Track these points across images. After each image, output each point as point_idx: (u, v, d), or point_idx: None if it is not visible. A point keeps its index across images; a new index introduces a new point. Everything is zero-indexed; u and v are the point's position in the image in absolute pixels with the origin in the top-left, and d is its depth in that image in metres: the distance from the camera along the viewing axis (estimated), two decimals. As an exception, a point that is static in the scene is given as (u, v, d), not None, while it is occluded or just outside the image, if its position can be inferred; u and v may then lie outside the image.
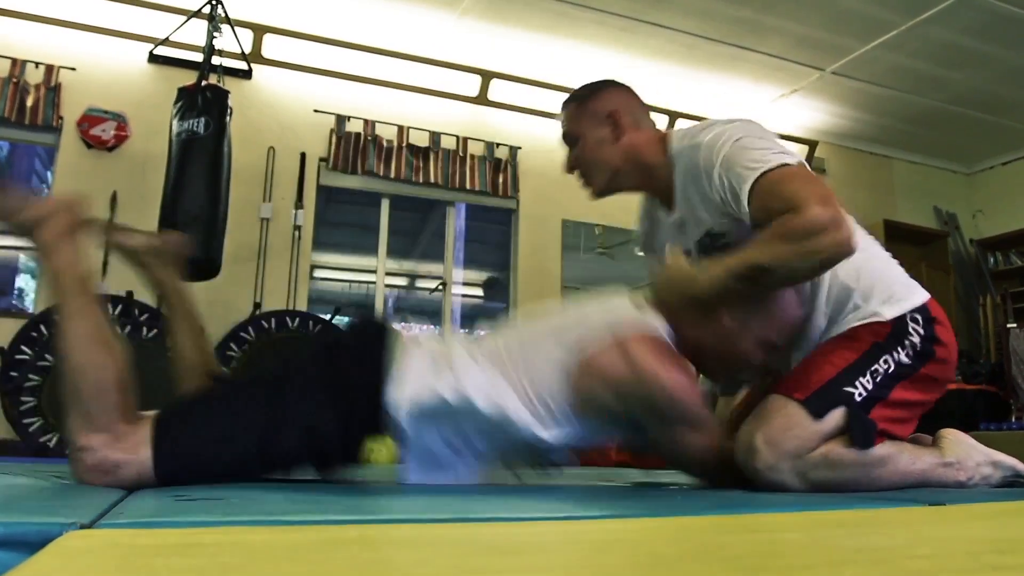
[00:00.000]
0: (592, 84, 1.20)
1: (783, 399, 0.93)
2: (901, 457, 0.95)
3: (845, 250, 0.88)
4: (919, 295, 1.03)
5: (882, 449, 0.93)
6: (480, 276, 5.20)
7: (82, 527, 0.42)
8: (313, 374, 0.89)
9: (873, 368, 0.95)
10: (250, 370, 0.97)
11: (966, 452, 1.04)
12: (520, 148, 3.83)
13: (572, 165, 1.16)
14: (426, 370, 0.88)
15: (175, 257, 1.17)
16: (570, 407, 0.88)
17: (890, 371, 0.95)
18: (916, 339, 0.98)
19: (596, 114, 1.14)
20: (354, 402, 0.86)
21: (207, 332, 1.14)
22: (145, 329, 2.75)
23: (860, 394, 0.93)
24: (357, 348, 0.92)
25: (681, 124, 4.20)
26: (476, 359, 0.90)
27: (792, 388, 0.94)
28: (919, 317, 1.00)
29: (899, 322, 0.98)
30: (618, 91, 1.18)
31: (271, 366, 0.98)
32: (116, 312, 2.87)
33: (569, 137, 1.16)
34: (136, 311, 2.90)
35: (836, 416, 0.91)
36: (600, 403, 0.88)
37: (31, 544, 0.39)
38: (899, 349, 0.97)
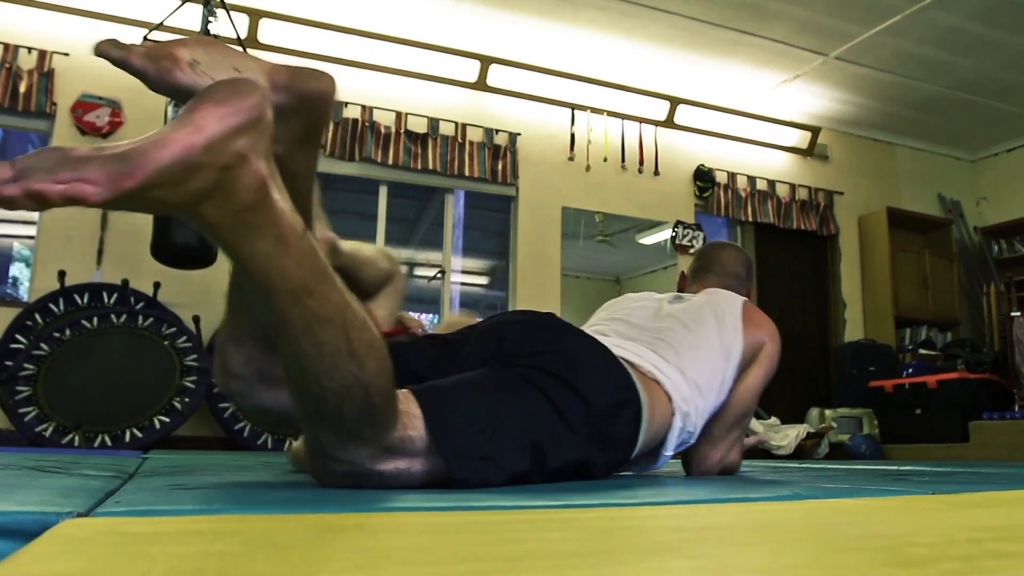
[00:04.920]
0: None
1: None
2: None
3: None
4: None
5: None
6: (479, 264, 5.19)
7: (78, 515, 0.42)
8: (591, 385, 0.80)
9: None
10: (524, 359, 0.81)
11: None
12: (520, 134, 3.80)
13: None
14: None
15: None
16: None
17: None
18: None
19: None
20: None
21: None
22: (141, 317, 2.74)
23: None
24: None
25: (682, 110, 4.20)
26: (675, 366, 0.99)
27: None
28: None
29: None
30: None
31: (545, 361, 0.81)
32: (112, 300, 2.86)
33: None
34: (132, 299, 2.90)
35: None
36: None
37: (27, 533, 0.38)
38: None
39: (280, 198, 0.53)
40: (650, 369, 0.95)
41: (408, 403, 0.66)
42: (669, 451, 0.97)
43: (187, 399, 2.69)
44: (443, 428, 0.67)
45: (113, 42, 0.53)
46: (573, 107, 3.90)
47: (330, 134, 3.46)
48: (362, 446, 0.62)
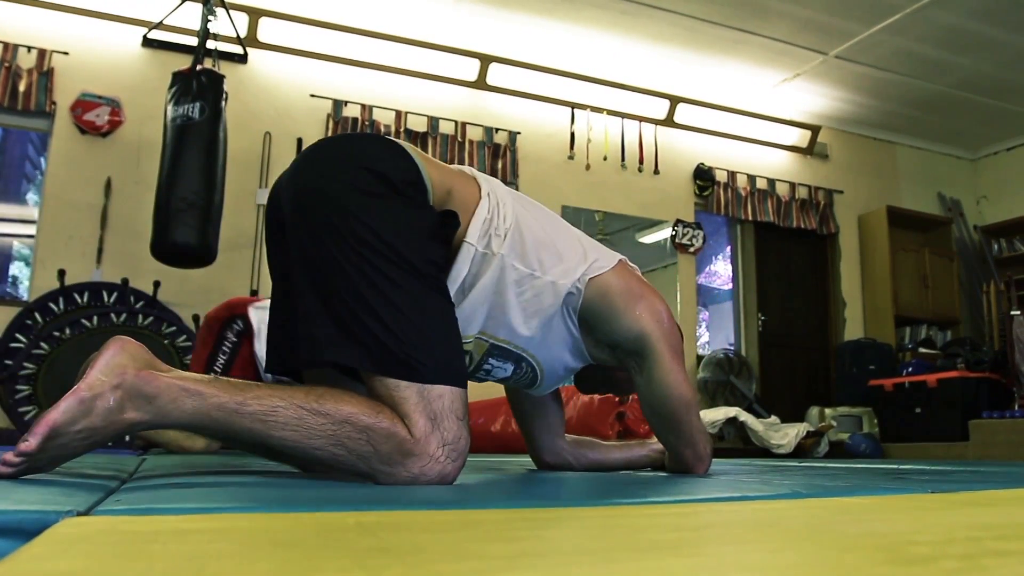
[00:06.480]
0: None
1: None
2: None
3: None
4: None
5: None
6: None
7: (78, 514, 0.42)
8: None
9: None
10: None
11: None
12: (519, 133, 3.80)
13: None
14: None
15: None
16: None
17: None
18: None
19: None
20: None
21: None
22: (141, 316, 2.75)
23: None
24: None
25: (682, 109, 4.20)
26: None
27: None
28: None
29: None
30: None
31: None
32: (112, 299, 2.86)
33: None
34: (132, 298, 2.90)
35: None
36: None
37: (27, 532, 0.38)
38: None
39: (171, 371, 0.71)
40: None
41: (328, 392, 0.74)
42: (473, 239, 0.88)
43: (187, 398, 2.68)
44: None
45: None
46: (573, 106, 3.90)
47: (330, 133, 3.46)
48: (412, 447, 0.74)
